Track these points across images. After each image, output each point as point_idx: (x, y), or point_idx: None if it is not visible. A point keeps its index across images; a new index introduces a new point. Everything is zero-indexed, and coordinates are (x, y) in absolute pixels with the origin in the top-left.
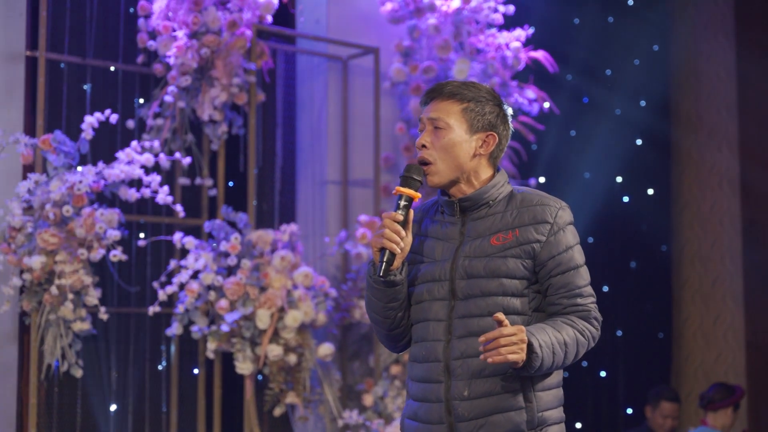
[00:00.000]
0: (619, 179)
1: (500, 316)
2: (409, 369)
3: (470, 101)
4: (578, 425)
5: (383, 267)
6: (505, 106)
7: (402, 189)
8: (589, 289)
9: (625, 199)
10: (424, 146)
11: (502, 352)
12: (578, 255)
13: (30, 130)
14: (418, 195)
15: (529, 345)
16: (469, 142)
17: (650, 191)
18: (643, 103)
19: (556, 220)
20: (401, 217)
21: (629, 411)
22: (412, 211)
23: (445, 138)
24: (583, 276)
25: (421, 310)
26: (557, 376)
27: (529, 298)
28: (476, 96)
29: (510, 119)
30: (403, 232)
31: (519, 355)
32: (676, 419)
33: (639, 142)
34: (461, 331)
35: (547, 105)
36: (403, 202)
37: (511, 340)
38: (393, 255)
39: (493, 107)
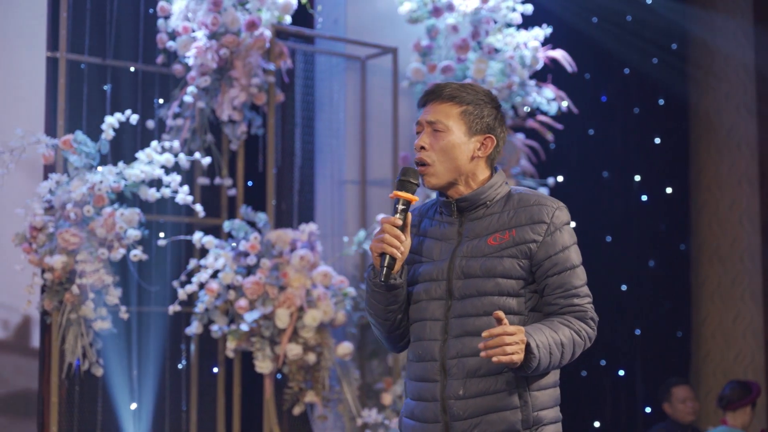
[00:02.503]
0: (637, 178)
1: (500, 314)
2: (407, 368)
3: (469, 104)
4: (597, 424)
5: (385, 272)
6: (502, 109)
7: (399, 193)
8: (586, 290)
9: (644, 197)
10: (423, 148)
11: (508, 351)
12: (575, 255)
13: (51, 130)
14: (416, 198)
15: (527, 345)
16: (468, 144)
17: (669, 190)
18: (661, 101)
19: (553, 220)
20: (400, 222)
21: (648, 410)
22: (410, 215)
23: (444, 140)
24: (580, 276)
25: (419, 310)
26: (553, 376)
27: (525, 298)
28: (475, 99)
29: (506, 121)
30: (402, 237)
31: (519, 356)
32: (695, 399)
33: (657, 140)
34: (457, 331)
35: (565, 104)
36: (400, 206)
37: (513, 339)
38: (394, 260)
39: (491, 110)
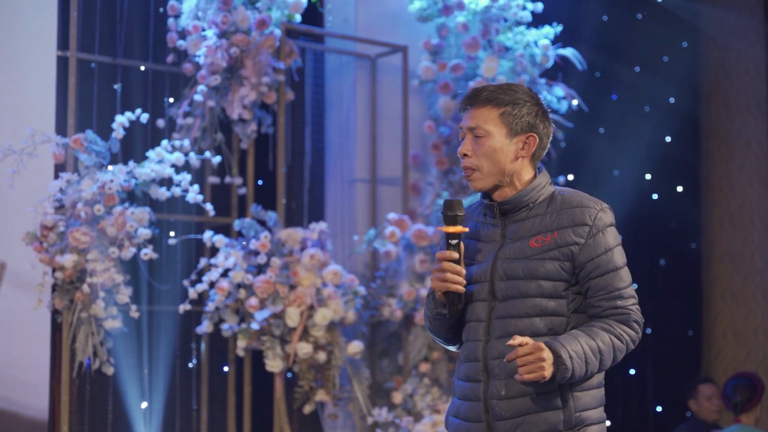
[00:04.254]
0: (648, 176)
1: (513, 341)
2: (456, 368)
3: (507, 105)
4: (608, 423)
5: (453, 308)
6: (544, 104)
7: (449, 228)
8: (630, 291)
9: (655, 196)
10: (466, 155)
11: (521, 371)
12: (618, 257)
13: (61, 129)
14: (466, 229)
15: (559, 356)
16: (510, 145)
17: (679, 188)
18: (672, 99)
19: (595, 222)
20: (456, 255)
21: (659, 409)
22: (462, 245)
23: (486, 145)
24: (623, 278)
25: (466, 311)
26: (598, 377)
27: (568, 300)
28: (513, 99)
29: (549, 117)
30: (463, 271)
31: (538, 374)
32: (719, 398)
33: (668, 139)
34: (499, 332)
35: (575, 102)
36: (453, 241)
37: (528, 359)
38: (459, 295)
39: (531, 107)
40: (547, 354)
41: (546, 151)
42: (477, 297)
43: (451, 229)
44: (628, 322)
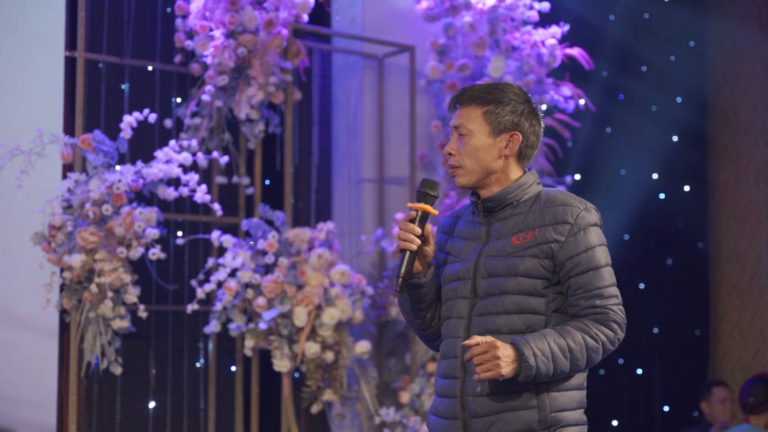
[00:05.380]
0: (655, 176)
1: (470, 341)
2: (437, 365)
3: (491, 104)
4: (615, 423)
5: (403, 267)
6: (534, 103)
7: (415, 204)
8: (612, 290)
9: (661, 195)
10: (450, 154)
11: (477, 370)
12: (600, 256)
13: (69, 129)
14: (435, 211)
15: (522, 354)
16: (493, 144)
17: (686, 188)
18: (679, 99)
19: (577, 220)
20: (414, 215)
21: (666, 408)
22: (429, 225)
23: (469, 144)
24: (605, 277)
25: (448, 308)
26: (577, 379)
27: (548, 299)
28: (497, 98)
29: (540, 115)
30: (418, 230)
31: (494, 372)
32: (733, 401)
33: (675, 138)
34: (478, 329)
35: (582, 102)
36: (418, 216)
37: (484, 357)
38: (413, 254)
39: (516, 106)
40: (504, 351)
41: (535, 150)
42: (460, 294)
43: (417, 205)
44: (606, 322)
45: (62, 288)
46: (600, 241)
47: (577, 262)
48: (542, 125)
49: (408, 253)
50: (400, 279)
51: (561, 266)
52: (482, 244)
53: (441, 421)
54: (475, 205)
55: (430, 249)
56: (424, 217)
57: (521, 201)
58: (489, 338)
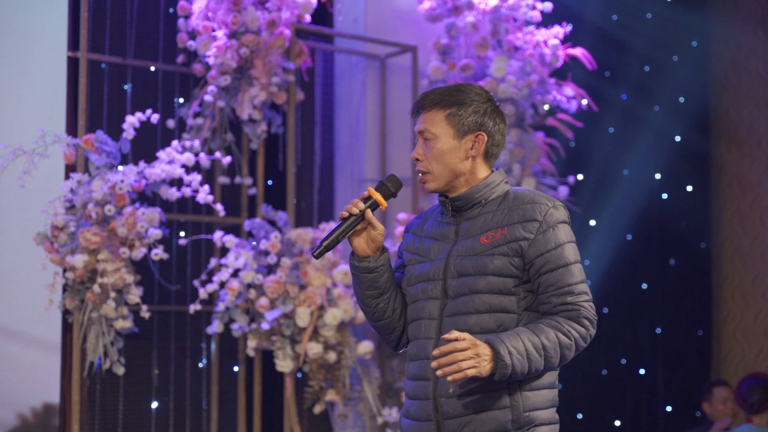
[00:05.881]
0: (657, 176)
1: (450, 335)
2: (405, 367)
3: (453, 106)
4: (617, 423)
5: (331, 236)
6: (497, 102)
7: (372, 191)
8: (582, 287)
9: (664, 196)
10: (417, 159)
11: (462, 366)
12: (570, 253)
13: (72, 130)
14: (384, 204)
15: (498, 352)
16: (458, 146)
17: (689, 188)
18: (681, 99)
19: (546, 218)
20: (366, 195)
21: (668, 409)
22: (369, 212)
23: (435, 148)
24: (575, 274)
25: (416, 309)
26: (549, 377)
27: (518, 297)
28: (459, 100)
29: (503, 113)
30: (361, 205)
31: (476, 369)
32: (734, 401)
33: (678, 138)
34: (449, 329)
35: (585, 102)
36: (370, 201)
37: (467, 354)
38: (346, 230)
39: (478, 106)
40: (485, 350)
41: (502, 148)
42: (430, 295)
43: (373, 192)
44: (577, 319)
45: (65, 288)
46: (569, 238)
47: (547, 260)
48: (506, 123)
49: (341, 226)
50: (322, 245)
51: (531, 264)
52: (451, 243)
53: (414, 423)
54: (444, 205)
55: (377, 234)
56: (374, 204)
57: (489, 200)
58: (467, 335)
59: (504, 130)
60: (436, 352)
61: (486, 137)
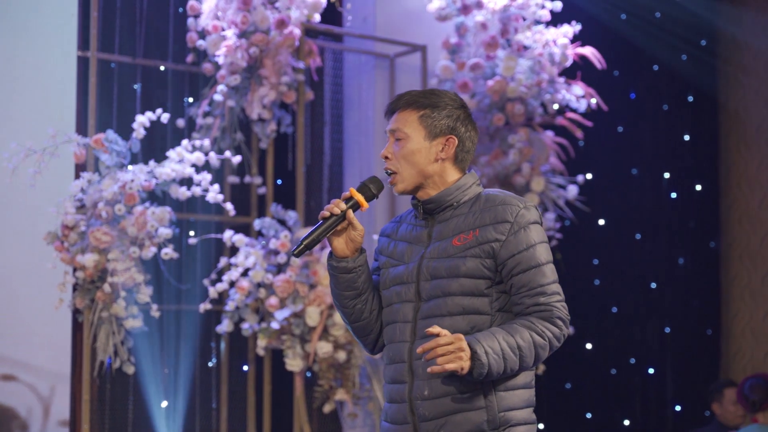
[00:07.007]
0: (666, 175)
1: (433, 329)
2: (383, 372)
3: (426, 108)
4: (626, 422)
5: (312, 236)
6: (468, 109)
7: (354, 191)
8: (554, 287)
9: (673, 195)
10: (387, 158)
11: (440, 362)
12: (542, 253)
13: (82, 129)
14: (366, 205)
15: (475, 352)
16: (429, 148)
17: (698, 187)
18: (690, 98)
19: (517, 219)
20: (348, 196)
21: (677, 408)
22: (351, 213)
23: (405, 148)
24: (547, 274)
25: (391, 313)
26: (524, 378)
27: (491, 298)
28: (433, 102)
29: (475, 123)
30: (343, 206)
31: (457, 364)
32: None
33: (687, 137)
34: (424, 332)
35: (594, 101)
36: (351, 202)
37: (448, 349)
38: (326, 229)
39: (451, 110)
40: (466, 346)
41: (471, 155)
42: (404, 298)
43: (354, 193)
44: (551, 319)
45: (75, 287)
46: (540, 238)
47: (519, 261)
48: (478, 132)
49: (322, 226)
50: (302, 244)
51: (503, 265)
52: (424, 246)
53: (392, 426)
54: (416, 208)
55: (356, 234)
56: (355, 204)
57: (461, 202)
58: (447, 332)
59: (475, 139)
60: (419, 350)
61: (457, 141)
